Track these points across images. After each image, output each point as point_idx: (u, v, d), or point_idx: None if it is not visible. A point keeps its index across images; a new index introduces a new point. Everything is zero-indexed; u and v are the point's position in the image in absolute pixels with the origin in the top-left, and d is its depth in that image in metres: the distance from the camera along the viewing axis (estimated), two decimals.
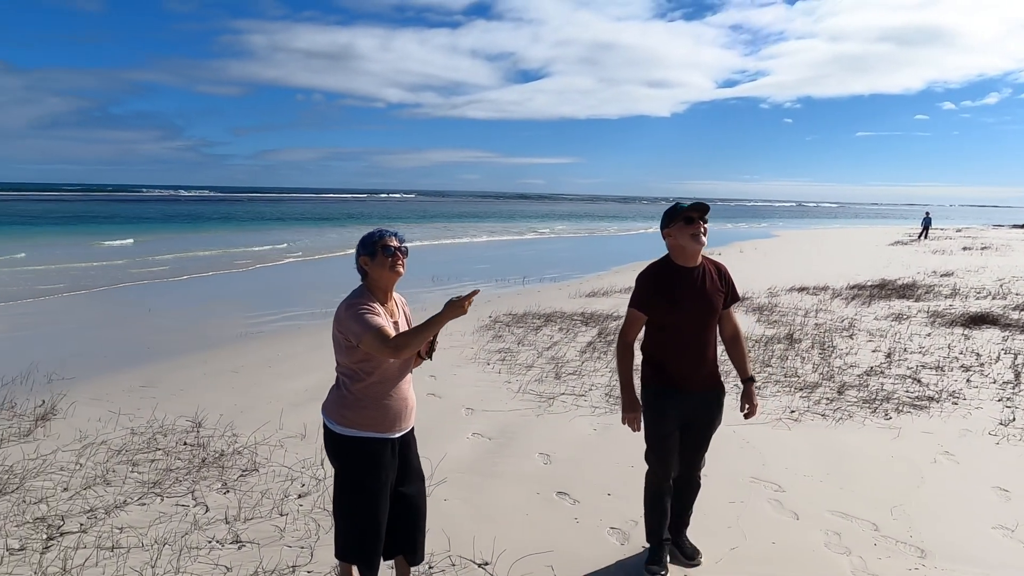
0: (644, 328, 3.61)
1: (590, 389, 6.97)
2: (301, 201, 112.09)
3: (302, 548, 3.87)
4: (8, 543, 3.86)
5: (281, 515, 4.26)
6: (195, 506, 4.37)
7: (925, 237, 35.61)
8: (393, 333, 3.01)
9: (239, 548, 3.87)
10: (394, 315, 3.22)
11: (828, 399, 6.57)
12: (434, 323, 2.92)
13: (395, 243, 3.13)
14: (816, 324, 10.25)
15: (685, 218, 3.41)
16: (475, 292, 2.95)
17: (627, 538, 4.03)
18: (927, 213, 37.88)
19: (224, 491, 4.59)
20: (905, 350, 8.54)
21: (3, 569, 3.61)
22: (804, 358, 8.10)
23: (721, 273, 3.59)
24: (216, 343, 9.47)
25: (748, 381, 3.69)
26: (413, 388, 3.30)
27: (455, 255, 25.36)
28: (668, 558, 3.73)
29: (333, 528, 3.40)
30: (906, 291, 13.72)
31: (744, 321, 10.63)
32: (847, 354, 8.33)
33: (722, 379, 3.71)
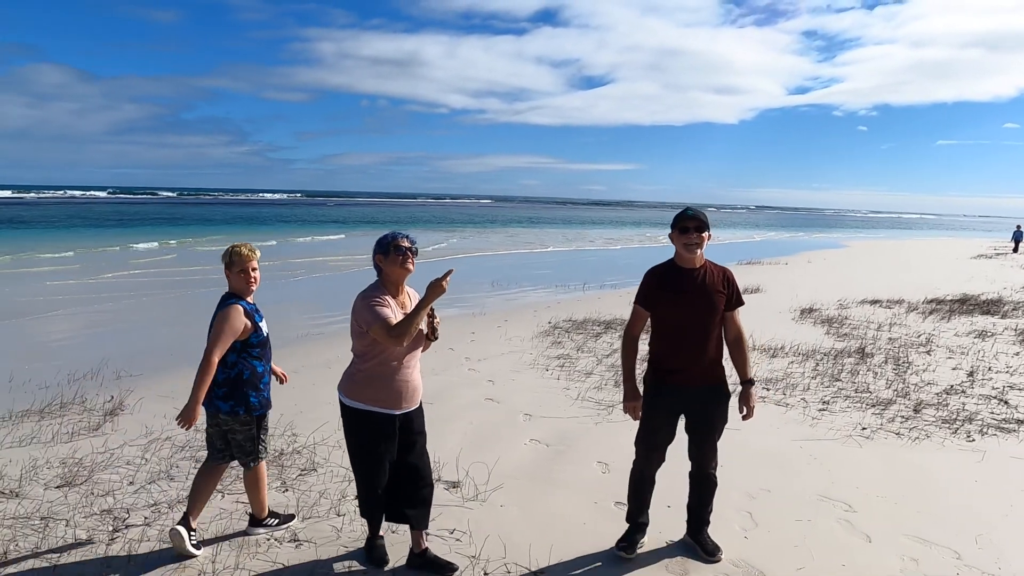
0: (651, 326, 3.83)
1: None
2: (381, 205, 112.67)
3: (358, 549, 3.85)
4: (76, 533, 3.97)
5: (338, 515, 4.26)
6: None
7: (1015, 251, 33.69)
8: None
9: (296, 547, 3.89)
10: (405, 307, 3.59)
11: (903, 417, 6.26)
12: (421, 307, 3.37)
13: (406, 244, 3.52)
14: (890, 338, 9.82)
15: (681, 228, 3.62)
16: (450, 271, 3.43)
17: (686, 554, 3.88)
18: (1018, 226, 35.44)
19: (283, 490, 4.64)
20: (990, 369, 8.09)
21: (71, 558, 3.70)
22: (877, 373, 7.75)
23: (725, 276, 3.74)
24: (278, 344, 9.59)
25: (747, 383, 3.79)
26: (419, 372, 3.66)
27: (518, 260, 25.34)
28: (640, 541, 3.88)
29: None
30: (991, 307, 13.02)
31: (812, 333, 10.28)
32: (924, 371, 7.94)
33: (726, 380, 3.78)
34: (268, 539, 3.96)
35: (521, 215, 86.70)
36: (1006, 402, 6.77)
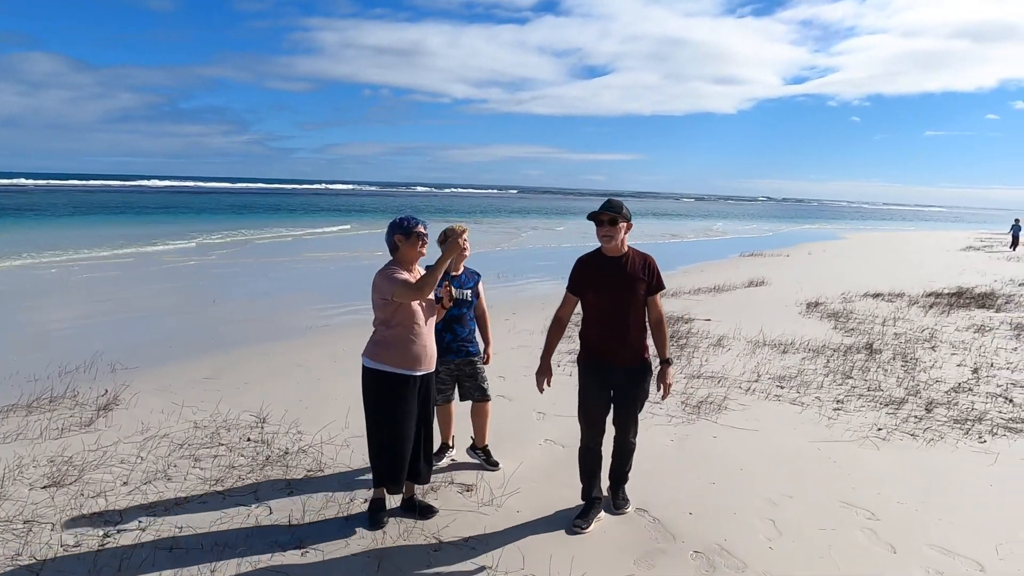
0: (581, 310, 4.16)
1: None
2: (394, 196, 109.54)
3: (368, 557, 3.70)
4: (63, 538, 3.77)
5: (347, 520, 4.10)
6: (258, 507, 4.24)
7: (1014, 247, 31.24)
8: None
9: (303, 554, 3.72)
10: None
11: (916, 417, 6.15)
12: (440, 263, 3.84)
13: (423, 231, 4.02)
14: (895, 334, 9.73)
15: (596, 221, 3.97)
16: (465, 230, 4.18)
17: (712, 566, 3.73)
18: (1016, 220, 33.39)
19: (288, 492, 4.46)
20: (992, 365, 8.03)
21: (56, 567, 3.50)
22: (887, 371, 7.65)
23: (646, 264, 4.02)
24: (282, 336, 9.40)
25: (665, 363, 4.10)
26: (434, 338, 4.13)
27: (524, 252, 25.10)
28: (596, 516, 4.16)
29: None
30: (985, 300, 13.08)
31: (819, 328, 10.17)
32: (931, 367, 7.84)
33: (648, 359, 4.11)
34: (272, 545, 3.77)
35: (529, 205, 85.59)
36: (1011, 400, 6.70)
